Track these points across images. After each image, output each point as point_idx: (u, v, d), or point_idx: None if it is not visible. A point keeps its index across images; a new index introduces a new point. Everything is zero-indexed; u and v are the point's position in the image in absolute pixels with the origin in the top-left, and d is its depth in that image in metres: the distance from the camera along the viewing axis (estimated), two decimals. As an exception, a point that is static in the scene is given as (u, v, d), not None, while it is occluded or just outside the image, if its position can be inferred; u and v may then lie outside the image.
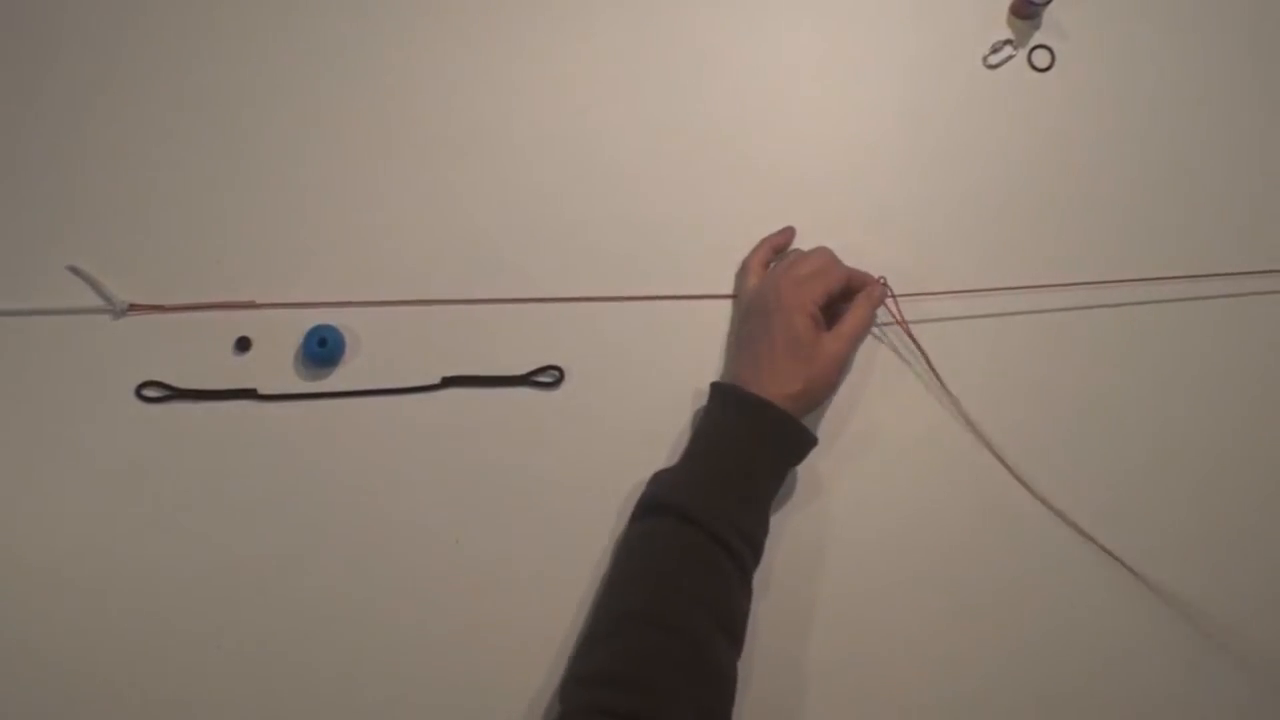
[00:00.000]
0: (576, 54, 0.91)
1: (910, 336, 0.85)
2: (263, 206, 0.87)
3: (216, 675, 0.80)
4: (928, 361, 0.84)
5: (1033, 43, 0.91)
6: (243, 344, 0.85)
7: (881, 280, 0.84)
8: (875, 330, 0.86)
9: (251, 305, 0.85)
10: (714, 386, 0.82)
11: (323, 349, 0.83)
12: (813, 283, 0.80)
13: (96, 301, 0.85)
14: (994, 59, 0.92)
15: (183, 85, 0.89)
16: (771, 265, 0.85)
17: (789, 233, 0.87)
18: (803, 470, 0.83)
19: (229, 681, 0.80)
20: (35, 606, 0.81)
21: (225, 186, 0.88)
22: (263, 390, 0.84)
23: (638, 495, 0.80)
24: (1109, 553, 0.80)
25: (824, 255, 0.83)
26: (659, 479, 0.79)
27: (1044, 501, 0.82)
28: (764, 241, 0.87)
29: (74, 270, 0.84)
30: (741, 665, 0.74)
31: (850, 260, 0.84)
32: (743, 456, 0.78)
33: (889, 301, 0.84)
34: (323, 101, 0.89)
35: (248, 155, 0.88)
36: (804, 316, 0.79)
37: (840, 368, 0.81)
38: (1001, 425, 0.84)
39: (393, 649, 0.81)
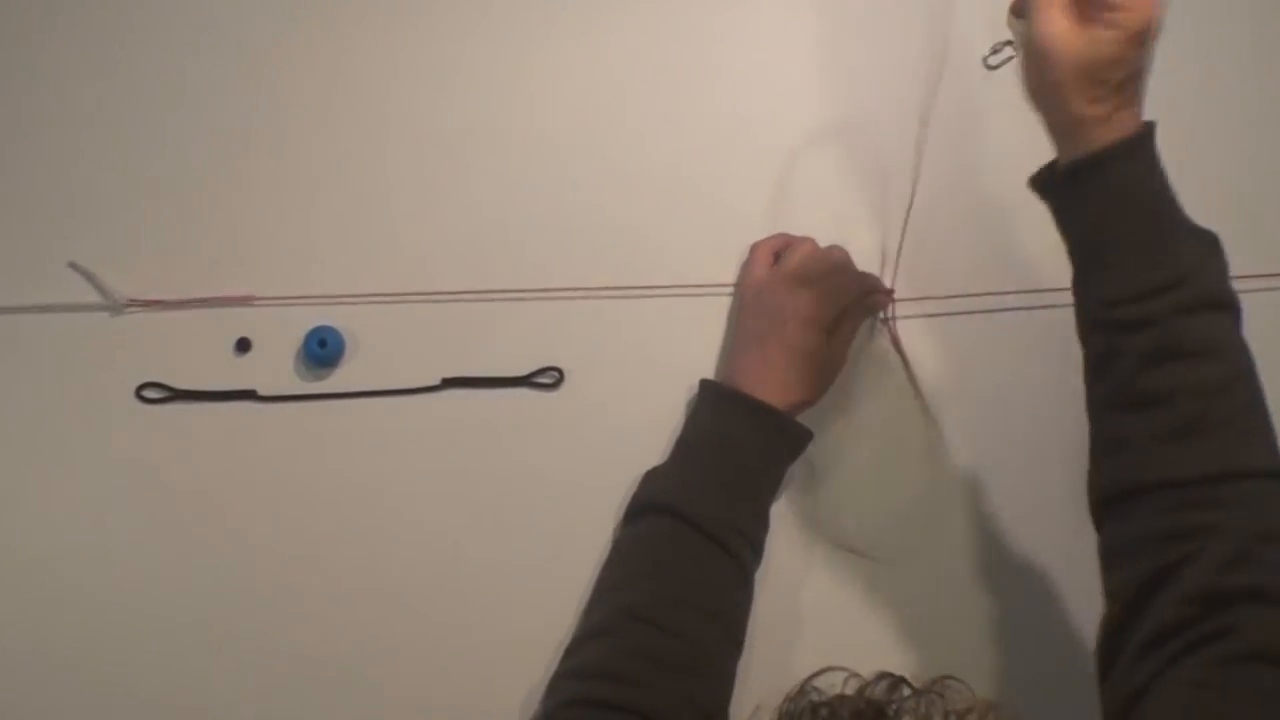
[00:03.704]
0: (576, 50, 0.90)
1: (899, 350, 0.86)
2: (261, 202, 0.87)
3: (216, 676, 0.81)
4: (909, 374, 0.86)
5: (1033, 44, 0.91)
6: (243, 345, 0.85)
7: (890, 292, 0.85)
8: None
9: (250, 300, 0.85)
10: (703, 385, 0.82)
11: (323, 350, 0.83)
12: (829, 293, 0.80)
13: (95, 297, 0.85)
14: (994, 59, 0.91)
15: (182, 80, 0.89)
16: (781, 257, 0.84)
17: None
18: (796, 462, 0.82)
19: (229, 682, 0.81)
20: (34, 608, 0.81)
21: (223, 182, 0.87)
22: (263, 391, 0.84)
23: (635, 496, 0.80)
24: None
25: (840, 255, 0.83)
26: (652, 479, 0.80)
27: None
28: (779, 235, 0.86)
29: (73, 266, 0.84)
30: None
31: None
32: (740, 456, 0.78)
33: (887, 318, 0.85)
34: (322, 96, 0.89)
35: (246, 150, 0.88)
36: (820, 333, 0.79)
37: (838, 373, 0.82)
38: (1005, 431, 0.85)
39: (392, 650, 0.81)
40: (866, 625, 0.82)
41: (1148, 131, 0.66)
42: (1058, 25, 0.64)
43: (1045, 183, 0.69)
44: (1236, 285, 0.86)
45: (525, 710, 0.78)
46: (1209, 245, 0.67)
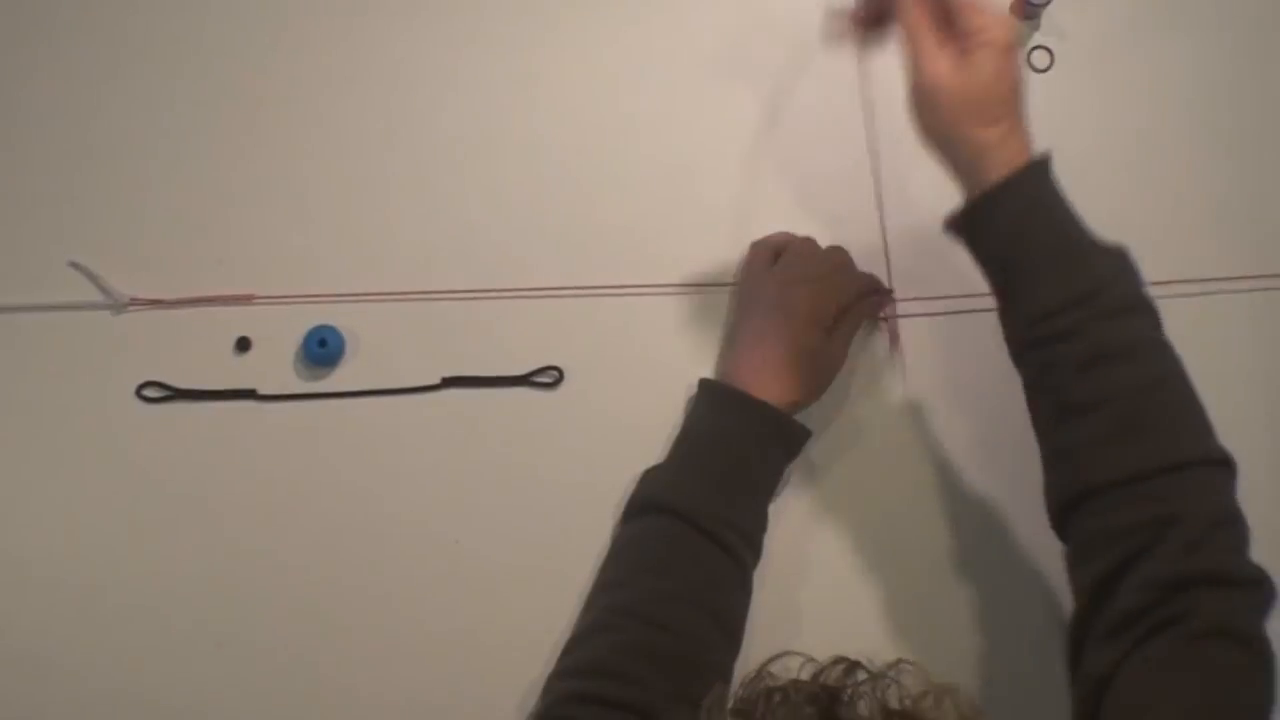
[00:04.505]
0: (574, 51, 0.91)
1: (896, 351, 0.86)
2: (261, 202, 0.88)
3: (215, 676, 0.81)
4: (901, 374, 0.86)
5: (1032, 44, 0.92)
6: (243, 344, 0.85)
7: (890, 292, 0.85)
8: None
9: (250, 299, 0.86)
10: (703, 383, 0.82)
11: (323, 349, 0.84)
12: (828, 291, 0.80)
13: (96, 296, 0.85)
14: (994, 60, 0.91)
15: (183, 80, 0.89)
16: (781, 257, 0.84)
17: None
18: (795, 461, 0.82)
19: (228, 682, 0.81)
20: (34, 608, 0.81)
21: (224, 182, 0.88)
22: (263, 390, 0.84)
23: (633, 495, 0.80)
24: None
25: (840, 257, 0.83)
26: (650, 478, 0.80)
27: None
28: (779, 235, 0.86)
29: (75, 265, 0.85)
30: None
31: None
32: (738, 455, 0.78)
33: (886, 318, 0.86)
34: (322, 96, 0.89)
35: (247, 150, 0.88)
36: (819, 330, 0.79)
37: (837, 373, 0.82)
38: (1004, 430, 0.85)
39: (392, 649, 0.81)
40: (858, 621, 0.82)
41: (1044, 156, 0.70)
42: (941, 65, 0.68)
43: (959, 221, 0.72)
44: (1235, 285, 0.88)
45: (523, 708, 0.78)
46: (1120, 257, 0.70)
